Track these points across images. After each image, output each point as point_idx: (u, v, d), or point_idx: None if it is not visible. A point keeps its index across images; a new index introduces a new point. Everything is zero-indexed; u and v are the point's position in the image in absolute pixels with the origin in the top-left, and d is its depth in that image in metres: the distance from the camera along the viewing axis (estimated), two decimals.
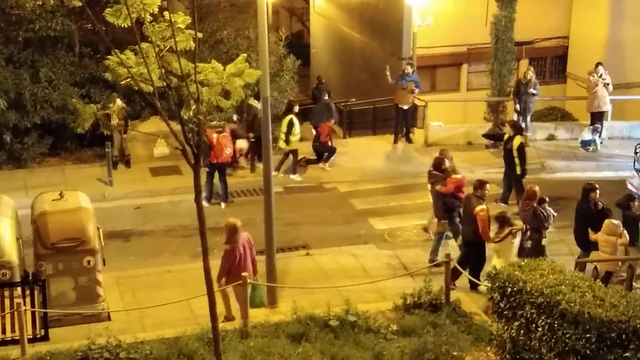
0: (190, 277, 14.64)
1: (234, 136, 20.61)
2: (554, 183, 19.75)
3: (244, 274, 13.07)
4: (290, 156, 21.16)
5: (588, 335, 10.23)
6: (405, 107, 23.15)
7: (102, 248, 14.28)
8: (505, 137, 19.22)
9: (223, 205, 19.34)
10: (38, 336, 13.05)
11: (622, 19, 25.71)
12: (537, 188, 15.50)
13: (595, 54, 24.73)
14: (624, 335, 10.07)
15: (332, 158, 21.83)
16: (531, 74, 22.54)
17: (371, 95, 25.85)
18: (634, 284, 14.09)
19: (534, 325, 10.97)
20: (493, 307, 11.82)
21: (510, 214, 17.94)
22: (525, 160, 18.66)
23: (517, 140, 18.62)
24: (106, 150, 20.01)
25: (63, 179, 20.44)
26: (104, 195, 19.63)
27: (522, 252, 14.10)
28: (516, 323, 11.30)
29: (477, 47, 25.88)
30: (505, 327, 11.59)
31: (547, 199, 15.27)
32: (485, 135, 22.06)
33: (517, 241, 14.21)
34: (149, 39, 9.03)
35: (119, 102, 20.84)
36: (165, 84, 9.18)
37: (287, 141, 20.78)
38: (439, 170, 16.61)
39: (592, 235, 15.00)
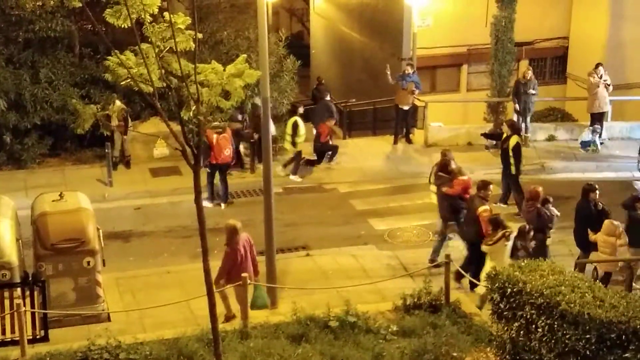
0: (190, 277, 14.64)
1: (238, 136, 20.64)
2: (553, 184, 19.73)
3: (243, 274, 13.08)
4: (290, 157, 21.20)
5: (588, 336, 10.23)
6: (406, 107, 23.14)
7: (102, 249, 14.29)
8: (503, 136, 19.24)
9: (223, 205, 19.34)
10: (38, 337, 13.04)
11: (622, 19, 25.71)
12: (540, 188, 15.51)
13: (595, 55, 24.72)
14: (623, 336, 10.06)
15: (336, 157, 21.87)
16: (530, 74, 22.54)
17: (371, 95, 25.85)
18: (633, 284, 14.10)
19: (533, 326, 10.97)
20: (493, 307, 11.82)
21: (511, 214, 18.09)
22: (520, 160, 18.64)
23: (514, 140, 18.62)
24: (106, 150, 20.00)
25: (63, 180, 20.43)
26: (103, 196, 19.63)
27: (514, 253, 14.08)
28: (516, 324, 11.29)
29: (477, 47, 25.87)
30: (505, 328, 11.59)
31: (551, 199, 15.29)
32: (485, 135, 22.06)
33: (510, 244, 14.17)
34: (149, 40, 9.03)
35: (118, 103, 20.83)
36: (165, 84, 9.19)
37: (293, 143, 20.81)
38: (445, 171, 16.51)
39: (592, 236, 14.99)
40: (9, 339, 12.79)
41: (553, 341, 10.65)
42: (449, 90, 27.21)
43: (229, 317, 13.63)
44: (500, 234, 14.12)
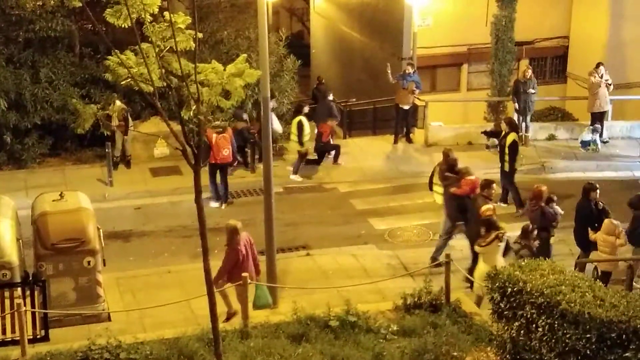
0: (190, 277, 14.65)
1: (242, 136, 20.64)
2: (554, 183, 19.72)
3: (244, 274, 13.08)
4: (297, 156, 21.19)
5: (588, 336, 10.22)
6: (406, 107, 23.13)
7: (102, 248, 14.30)
8: (502, 134, 19.26)
9: (223, 205, 19.34)
10: (38, 337, 13.05)
11: (622, 19, 25.70)
12: (544, 188, 15.54)
13: (596, 54, 24.72)
14: (624, 336, 10.05)
15: (340, 156, 21.87)
16: (530, 73, 22.53)
17: (371, 95, 25.84)
18: (634, 284, 14.09)
19: (534, 325, 10.96)
20: (493, 307, 11.81)
21: (511, 214, 18.09)
22: (516, 158, 18.64)
23: (511, 137, 18.66)
24: (106, 150, 20.00)
25: (63, 180, 20.43)
26: (104, 196, 19.63)
27: (506, 253, 14.08)
28: (516, 323, 11.28)
29: (478, 47, 25.87)
30: (506, 328, 11.58)
31: (555, 198, 15.31)
32: (485, 132, 22.07)
33: (502, 245, 14.15)
34: (149, 39, 9.03)
35: (118, 103, 20.83)
36: (165, 84, 9.18)
37: (300, 142, 20.81)
38: (453, 171, 16.48)
39: (592, 235, 14.99)
40: (10, 339, 12.79)
41: (553, 340, 10.64)
42: (449, 90, 27.19)
43: (230, 314, 13.63)
44: (493, 235, 14.03)
